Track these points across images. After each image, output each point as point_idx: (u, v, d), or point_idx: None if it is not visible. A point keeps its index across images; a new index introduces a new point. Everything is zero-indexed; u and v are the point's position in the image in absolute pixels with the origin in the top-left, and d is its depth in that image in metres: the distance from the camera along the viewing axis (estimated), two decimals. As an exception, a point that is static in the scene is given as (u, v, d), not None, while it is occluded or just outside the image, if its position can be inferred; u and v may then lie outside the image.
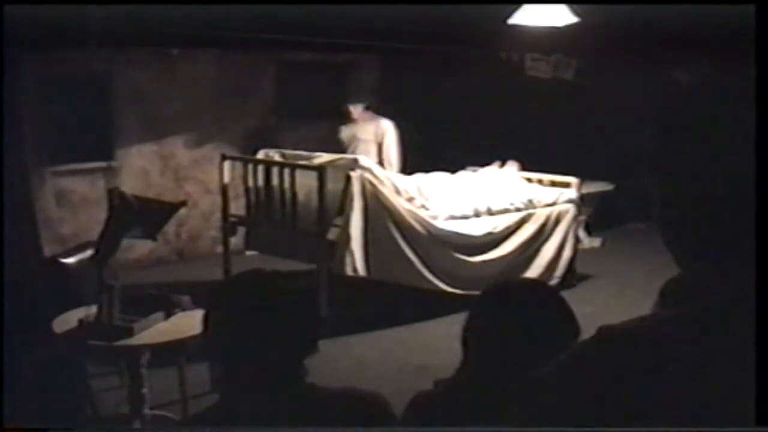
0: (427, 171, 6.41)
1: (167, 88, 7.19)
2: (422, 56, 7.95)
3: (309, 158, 5.76)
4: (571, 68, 8.00)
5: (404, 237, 5.47)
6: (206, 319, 1.65)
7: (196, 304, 3.60)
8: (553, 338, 1.61)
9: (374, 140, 6.70)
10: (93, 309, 3.41)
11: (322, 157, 5.69)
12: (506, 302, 1.78)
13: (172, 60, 7.14)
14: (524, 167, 6.85)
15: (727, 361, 0.91)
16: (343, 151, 6.42)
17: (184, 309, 3.59)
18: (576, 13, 5.44)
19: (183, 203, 4.01)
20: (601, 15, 5.60)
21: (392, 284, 5.51)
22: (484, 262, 5.88)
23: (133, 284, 4.26)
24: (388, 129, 6.77)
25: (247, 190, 5.93)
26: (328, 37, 6.72)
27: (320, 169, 5.31)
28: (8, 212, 3.69)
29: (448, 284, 5.68)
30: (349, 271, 5.26)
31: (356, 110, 6.74)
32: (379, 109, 6.92)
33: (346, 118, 6.81)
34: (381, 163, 6.48)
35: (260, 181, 5.79)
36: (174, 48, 7.01)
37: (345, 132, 6.81)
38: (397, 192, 5.56)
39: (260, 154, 6.05)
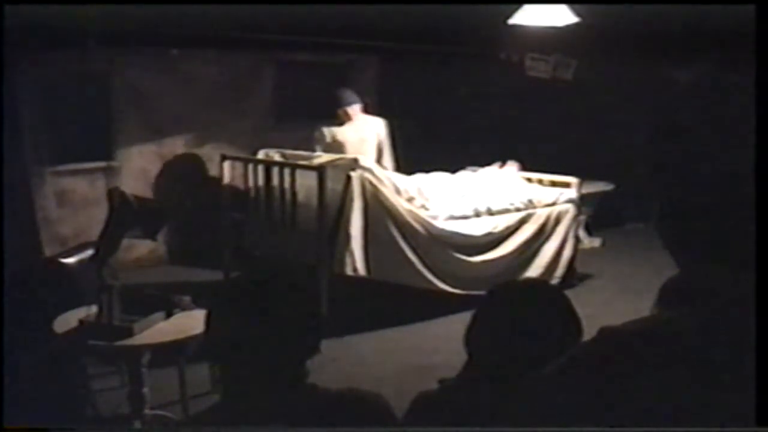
0: (427, 171, 6.40)
1: (167, 88, 7.18)
2: (422, 56, 7.94)
3: (309, 158, 5.76)
4: (571, 68, 7.99)
5: (404, 237, 5.47)
6: (208, 319, 1.65)
7: (196, 304, 3.60)
8: (556, 339, 1.61)
9: (375, 140, 6.56)
10: (93, 309, 3.41)
11: (322, 157, 5.69)
12: (510, 302, 1.79)
13: (172, 60, 7.13)
14: (524, 167, 6.84)
15: (727, 361, 0.91)
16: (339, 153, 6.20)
17: (184, 309, 3.59)
18: (576, 13, 5.45)
19: (183, 203, 4.01)
20: (601, 15, 5.60)
21: (392, 284, 5.51)
22: (484, 262, 5.88)
23: (133, 284, 4.26)
24: (383, 128, 6.61)
25: (247, 190, 5.93)
26: (328, 37, 6.70)
27: (320, 169, 5.31)
28: (8, 212, 3.69)
29: (448, 284, 5.68)
30: (349, 271, 5.26)
31: (353, 111, 6.42)
32: (372, 108, 6.75)
33: (342, 120, 6.44)
34: (379, 162, 6.36)
35: (260, 181, 5.78)
36: (174, 48, 7.00)
37: (348, 133, 6.42)
38: (397, 192, 5.56)
39: (260, 154, 6.04)
